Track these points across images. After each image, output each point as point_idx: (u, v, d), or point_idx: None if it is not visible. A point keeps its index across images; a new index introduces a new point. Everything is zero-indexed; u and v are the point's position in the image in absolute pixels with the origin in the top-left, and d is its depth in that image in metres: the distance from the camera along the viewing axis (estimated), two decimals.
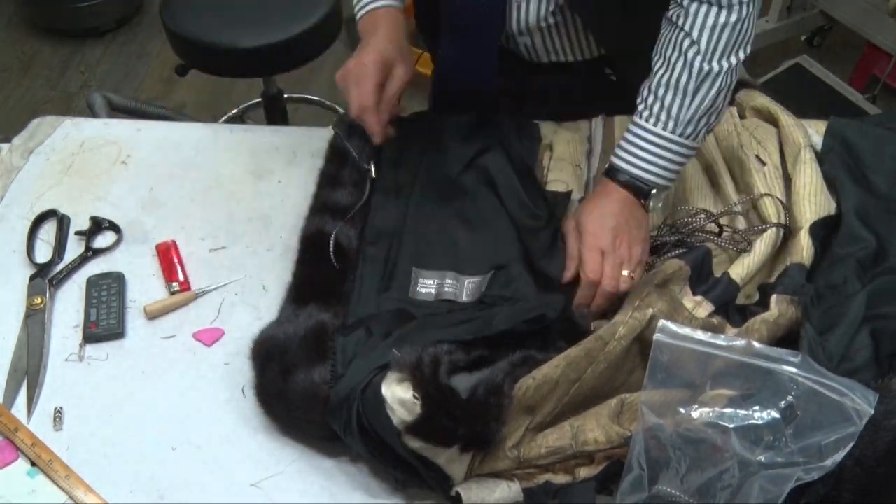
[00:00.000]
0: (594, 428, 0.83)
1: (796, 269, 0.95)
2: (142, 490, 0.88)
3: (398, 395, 0.81)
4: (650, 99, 0.98)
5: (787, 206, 1.05)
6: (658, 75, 0.97)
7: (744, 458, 0.73)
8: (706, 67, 0.95)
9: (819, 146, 1.14)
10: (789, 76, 2.61)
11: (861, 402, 0.72)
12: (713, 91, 0.96)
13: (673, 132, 0.97)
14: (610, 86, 1.20)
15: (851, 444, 0.71)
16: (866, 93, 2.55)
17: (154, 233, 1.12)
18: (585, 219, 0.99)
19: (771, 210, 1.04)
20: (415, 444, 0.81)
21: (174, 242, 1.10)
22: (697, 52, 0.95)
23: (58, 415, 0.93)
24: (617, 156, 1.00)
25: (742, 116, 1.23)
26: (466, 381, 0.84)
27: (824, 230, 1.00)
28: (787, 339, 0.89)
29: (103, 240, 1.11)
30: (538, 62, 1.18)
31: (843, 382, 0.73)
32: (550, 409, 0.85)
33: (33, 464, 0.89)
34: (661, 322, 0.77)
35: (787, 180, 1.09)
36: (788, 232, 1.02)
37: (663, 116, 0.97)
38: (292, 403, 0.89)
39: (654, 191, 0.99)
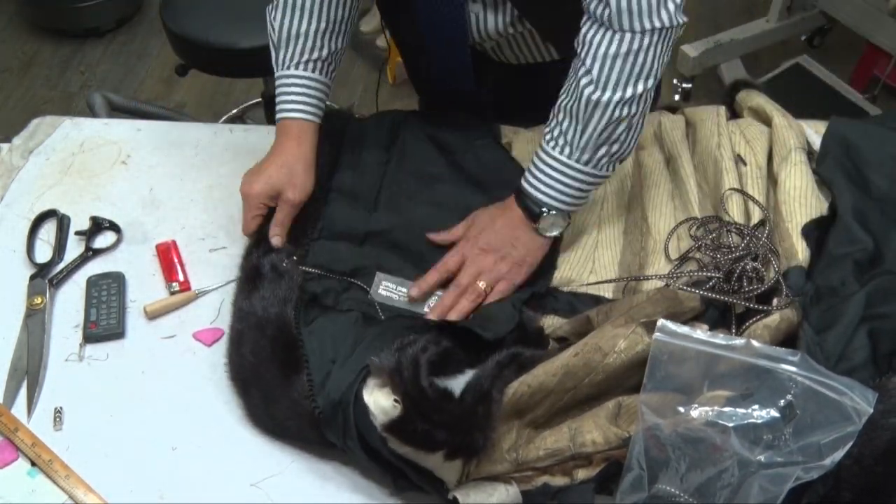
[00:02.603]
0: (592, 430, 0.82)
1: (797, 273, 0.94)
2: (142, 490, 0.88)
3: (380, 402, 0.81)
4: (552, 123, 0.97)
5: (767, 206, 1.04)
6: (560, 99, 0.96)
7: (743, 458, 0.73)
8: (594, 97, 0.92)
9: (818, 146, 1.14)
10: (789, 76, 2.61)
11: (860, 402, 0.72)
12: (604, 120, 0.93)
13: (569, 157, 0.96)
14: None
15: (851, 443, 0.71)
16: (866, 93, 2.55)
17: (154, 233, 1.12)
18: (473, 223, 1.04)
19: (735, 210, 1.03)
20: (400, 448, 0.81)
21: (174, 242, 1.10)
22: (589, 81, 0.92)
23: (58, 415, 0.93)
24: (525, 178, 1.00)
25: (739, 115, 1.22)
26: (457, 385, 0.84)
27: (817, 231, 1.00)
28: (785, 340, 0.88)
29: (103, 240, 1.11)
30: (510, 63, 1.19)
31: (843, 381, 0.73)
32: (543, 413, 0.86)
33: (33, 464, 0.89)
34: (661, 321, 0.78)
35: (774, 181, 1.08)
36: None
37: (561, 141, 0.96)
38: (282, 424, 0.90)
39: (544, 214, 0.98)
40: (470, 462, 0.83)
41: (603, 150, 0.96)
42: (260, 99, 2.20)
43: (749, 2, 2.84)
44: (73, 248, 1.10)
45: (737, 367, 0.75)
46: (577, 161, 0.96)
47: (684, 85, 2.62)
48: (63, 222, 1.12)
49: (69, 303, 1.04)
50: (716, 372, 0.76)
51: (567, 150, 0.96)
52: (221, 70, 1.94)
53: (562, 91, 0.97)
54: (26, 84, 2.77)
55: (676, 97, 2.63)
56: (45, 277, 1.05)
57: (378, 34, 2.86)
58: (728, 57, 2.65)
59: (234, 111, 2.53)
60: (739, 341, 0.76)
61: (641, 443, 0.77)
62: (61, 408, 0.94)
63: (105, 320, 1.00)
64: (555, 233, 1.01)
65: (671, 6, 0.90)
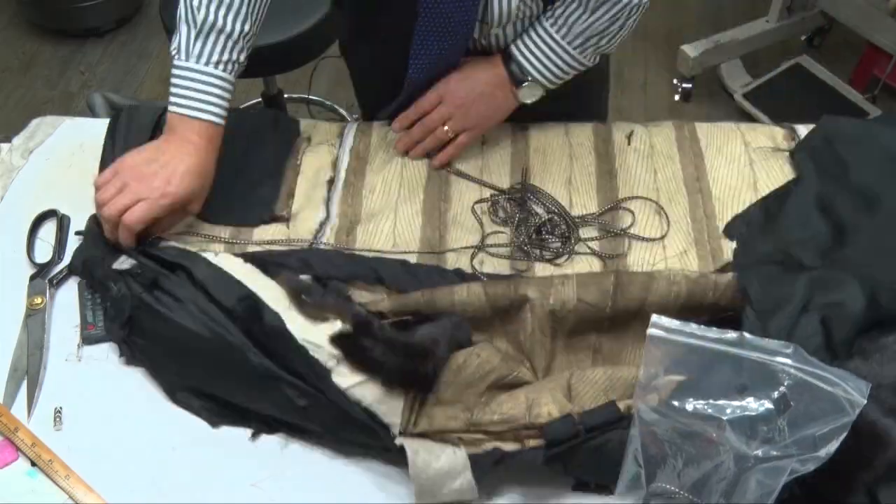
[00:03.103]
0: (549, 402, 0.83)
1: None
2: (142, 490, 0.88)
3: (327, 332, 0.85)
4: (558, 4, 1.07)
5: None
6: None
7: (740, 453, 0.73)
8: None
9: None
10: (789, 76, 2.61)
11: (854, 393, 0.72)
12: (608, 14, 1.06)
13: (563, 38, 1.08)
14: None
15: (845, 434, 0.71)
16: (866, 93, 2.55)
17: None
18: (456, 73, 1.12)
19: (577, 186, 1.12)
20: (343, 379, 0.83)
21: None
22: None
23: (58, 415, 0.93)
24: (515, 45, 1.10)
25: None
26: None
27: (747, 227, 1.05)
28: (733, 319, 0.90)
29: None
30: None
31: (836, 373, 0.73)
32: (492, 382, 0.88)
33: (33, 464, 0.89)
34: (654, 316, 0.78)
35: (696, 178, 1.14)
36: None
37: (560, 21, 1.07)
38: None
39: (528, 81, 1.10)
40: (415, 401, 0.84)
41: (593, 41, 1.09)
42: (260, 99, 2.20)
43: (749, 2, 2.84)
44: (73, 248, 1.09)
45: (729, 359, 0.76)
46: (570, 44, 1.09)
47: (684, 85, 2.61)
48: (63, 222, 1.12)
49: (69, 303, 1.04)
50: (708, 364, 0.76)
51: (563, 31, 1.08)
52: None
53: None
54: (26, 84, 2.77)
55: (676, 97, 2.63)
56: (45, 277, 1.05)
57: None
58: (728, 57, 2.65)
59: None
60: (732, 335, 0.76)
61: (638, 440, 0.77)
62: (61, 408, 0.94)
63: (102, 321, 1.00)
64: (529, 100, 1.13)
65: None
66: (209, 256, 0.98)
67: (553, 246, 1.06)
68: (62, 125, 1.26)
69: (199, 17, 1.00)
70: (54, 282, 1.05)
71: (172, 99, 1.02)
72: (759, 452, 0.72)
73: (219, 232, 1.08)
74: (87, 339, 0.99)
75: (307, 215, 1.10)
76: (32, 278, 1.04)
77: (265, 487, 0.88)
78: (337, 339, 0.85)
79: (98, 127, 1.24)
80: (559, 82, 1.12)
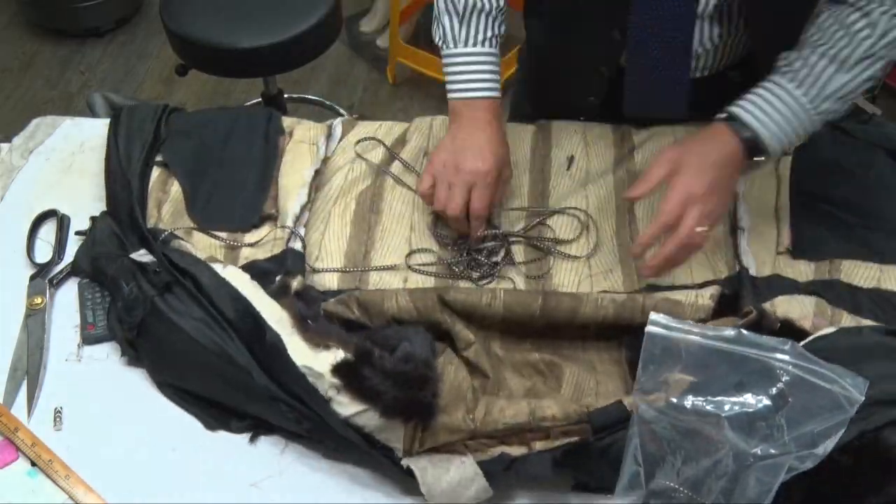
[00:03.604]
0: (552, 405, 0.84)
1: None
2: (142, 490, 0.88)
3: (328, 360, 0.84)
4: (798, 63, 0.93)
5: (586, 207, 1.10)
6: (812, 43, 0.94)
7: (738, 450, 0.73)
8: (874, 49, 0.91)
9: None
10: None
11: (851, 390, 0.72)
12: (865, 74, 0.93)
13: (812, 101, 0.92)
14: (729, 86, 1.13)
15: (843, 431, 0.72)
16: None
17: None
18: (687, 157, 0.93)
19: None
20: (342, 408, 0.83)
21: None
22: (870, 35, 0.91)
23: (58, 415, 0.93)
24: (743, 108, 0.94)
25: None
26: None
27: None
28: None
29: None
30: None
31: (833, 369, 0.73)
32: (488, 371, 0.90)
33: (33, 464, 0.89)
34: (653, 315, 0.78)
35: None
36: None
37: (808, 82, 0.92)
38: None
39: (766, 153, 0.94)
40: (419, 424, 0.84)
41: (837, 105, 0.94)
42: (260, 99, 2.20)
43: None
44: (73, 248, 1.09)
45: (728, 357, 0.76)
46: (815, 108, 0.93)
47: None
48: (63, 222, 1.12)
49: (69, 303, 1.04)
50: (707, 362, 0.76)
51: (812, 93, 0.93)
52: (221, 70, 1.94)
53: (812, 37, 0.94)
54: (26, 84, 2.77)
55: None
56: (45, 277, 1.05)
57: (378, 34, 2.86)
58: None
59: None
60: (730, 332, 0.77)
61: (637, 438, 0.77)
62: (61, 408, 0.94)
63: (103, 320, 1.00)
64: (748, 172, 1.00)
65: None
66: (217, 267, 0.97)
67: (483, 264, 1.05)
68: (62, 125, 1.26)
69: (461, 4, 1.05)
70: (54, 282, 1.05)
71: (450, 87, 1.07)
72: (758, 450, 0.72)
73: (211, 239, 1.08)
74: (87, 339, 0.99)
75: (290, 206, 1.09)
76: (32, 278, 1.04)
77: (265, 487, 0.88)
78: (338, 369, 0.84)
79: (98, 127, 1.25)
80: (783, 151, 0.97)
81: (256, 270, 1.00)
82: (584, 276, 1.04)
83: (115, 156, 1.13)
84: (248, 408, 0.92)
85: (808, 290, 0.97)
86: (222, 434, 0.92)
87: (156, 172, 1.13)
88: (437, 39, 1.08)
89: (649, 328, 0.77)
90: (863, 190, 1.08)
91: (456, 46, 1.06)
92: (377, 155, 1.17)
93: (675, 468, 0.76)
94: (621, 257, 1.05)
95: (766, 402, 0.73)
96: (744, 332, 0.76)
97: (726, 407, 0.73)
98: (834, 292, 0.97)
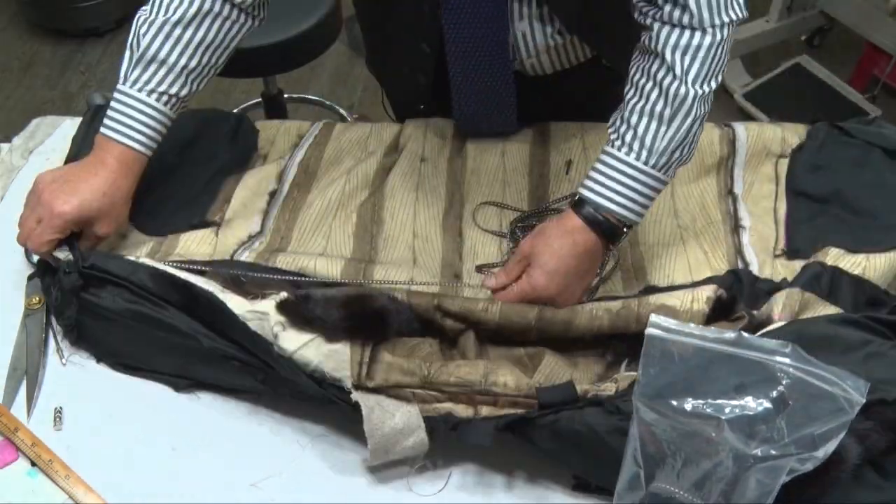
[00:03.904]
0: (507, 373, 0.85)
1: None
2: (142, 490, 0.88)
3: (270, 304, 0.86)
4: (623, 128, 0.92)
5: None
6: (630, 104, 0.93)
7: (739, 452, 0.73)
8: (682, 91, 0.90)
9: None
10: (789, 76, 2.62)
11: (852, 392, 0.72)
12: (689, 119, 0.91)
13: (646, 163, 0.91)
14: (605, 72, 1.19)
15: (844, 433, 0.72)
16: (866, 93, 2.55)
17: None
18: (541, 253, 0.92)
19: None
20: (289, 343, 0.85)
21: None
22: (673, 78, 0.90)
23: (58, 415, 0.93)
24: (585, 186, 0.93)
25: None
26: None
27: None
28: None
29: None
30: (543, 75, 1.18)
31: (834, 372, 0.73)
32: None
33: (33, 464, 0.89)
34: (653, 317, 0.78)
35: None
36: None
37: (636, 146, 0.91)
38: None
39: (626, 231, 0.93)
40: (366, 347, 0.86)
41: (677, 154, 0.92)
42: (260, 99, 2.20)
43: (749, 2, 2.84)
44: None
45: (728, 359, 0.76)
46: (654, 167, 0.91)
47: None
48: None
49: None
50: (707, 364, 0.76)
51: (644, 155, 0.91)
52: (221, 70, 1.94)
53: (628, 96, 0.94)
54: (26, 84, 2.77)
55: None
56: (44, 277, 1.05)
57: None
58: (728, 57, 2.64)
59: (234, 111, 2.53)
60: (731, 334, 0.76)
61: (637, 440, 0.77)
62: (61, 408, 0.94)
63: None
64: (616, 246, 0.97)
65: None
66: (130, 258, 0.97)
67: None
68: (62, 125, 1.26)
69: (143, 44, 0.99)
70: None
71: (104, 120, 1.01)
72: (758, 452, 0.72)
73: (142, 241, 1.06)
74: (72, 341, 0.99)
75: (239, 224, 1.08)
76: (30, 278, 1.04)
77: (265, 487, 0.88)
78: (283, 305, 0.86)
79: None
80: (644, 214, 0.95)
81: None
82: None
83: (70, 155, 1.13)
84: (201, 374, 0.94)
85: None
86: (222, 434, 0.92)
87: None
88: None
89: (649, 330, 0.77)
90: (859, 189, 1.08)
91: (123, 84, 1.00)
92: (372, 164, 1.16)
93: (676, 470, 0.76)
94: (620, 259, 1.05)
95: (767, 404, 0.73)
96: (744, 334, 0.76)
97: (727, 410, 0.73)
98: (813, 274, 0.97)
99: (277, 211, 1.11)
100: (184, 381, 0.95)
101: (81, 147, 1.13)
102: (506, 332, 0.93)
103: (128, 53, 1.01)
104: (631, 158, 0.91)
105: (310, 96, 2.62)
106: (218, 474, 0.89)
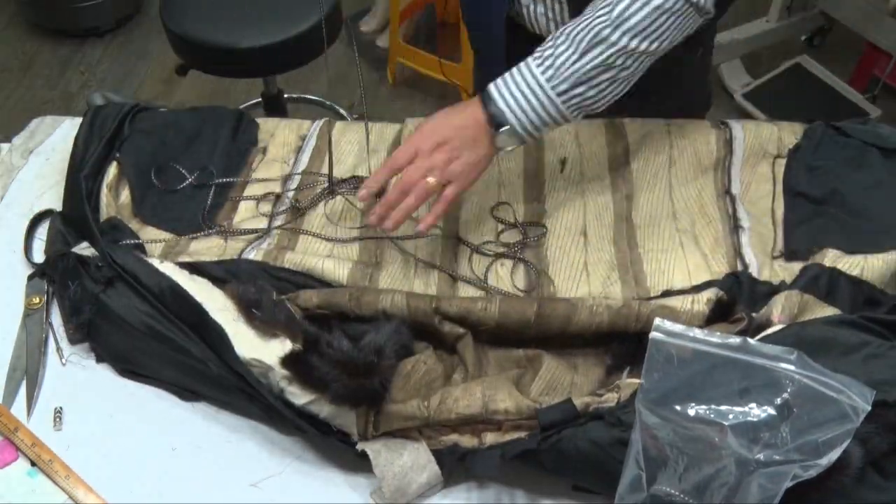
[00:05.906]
0: (506, 398, 0.85)
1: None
2: (142, 490, 0.88)
3: (276, 352, 0.86)
4: (548, 44, 0.96)
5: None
6: (567, 26, 0.96)
7: (741, 457, 0.73)
8: (605, 33, 0.92)
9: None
10: (789, 76, 2.62)
11: (858, 399, 0.72)
12: (599, 59, 0.93)
13: (549, 80, 0.94)
14: None
15: (848, 441, 0.71)
16: (866, 93, 2.55)
17: None
18: (430, 121, 0.98)
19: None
20: (295, 398, 0.85)
21: None
22: (606, 18, 0.92)
23: (58, 415, 0.93)
24: (495, 83, 0.97)
25: None
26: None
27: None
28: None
29: None
30: (541, 34, 1.16)
31: (840, 379, 0.73)
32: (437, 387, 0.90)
33: (33, 464, 0.89)
34: (657, 320, 0.78)
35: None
36: None
37: (549, 62, 0.94)
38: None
39: (506, 128, 0.96)
40: (371, 409, 0.86)
41: (580, 89, 0.94)
42: (260, 99, 2.21)
43: (749, 2, 2.84)
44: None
45: (733, 364, 0.75)
46: (553, 88, 0.94)
47: None
48: None
49: None
50: (712, 370, 0.76)
51: (549, 73, 0.94)
52: (221, 70, 1.94)
53: (571, 20, 0.96)
54: (26, 84, 2.77)
55: None
56: (44, 277, 1.05)
57: (378, 34, 2.86)
58: (728, 57, 2.65)
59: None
60: (735, 340, 0.76)
61: (639, 442, 0.77)
62: (61, 408, 0.94)
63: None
64: (503, 151, 0.99)
65: None
66: (154, 262, 0.97)
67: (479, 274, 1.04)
68: (62, 125, 1.26)
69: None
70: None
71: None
72: (762, 457, 0.72)
73: (158, 236, 1.07)
74: (73, 340, 0.99)
75: (247, 227, 1.09)
76: (30, 278, 1.04)
77: (265, 487, 0.88)
78: (286, 361, 0.85)
79: None
80: (536, 135, 0.98)
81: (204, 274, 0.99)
82: (581, 282, 1.03)
83: (73, 155, 1.13)
84: (207, 393, 0.94)
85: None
86: (222, 434, 0.92)
87: (113, 171, 1.11)
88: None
89: (653, 334, 0.77)
90: (856, 189, 1.08)
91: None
92: (374, 165, 1.16)
93: (678, 473, 0.75)
94: (619, 264, 1.05)
95: (771, 410, 0.73)
96: (749, 339, 0.76)
97: (730, 416, 0.73)
98: (811, 276, 0.97)
99: (285, 215, 1.11)
100: (189, 394, 0.95)
101: (83, 147, 1.13)
102: (505, 332, 0.93)
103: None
104: (538, 72, 0.95)
105: (310, 96, 2.62)
106: (218, 474, 0.89)
